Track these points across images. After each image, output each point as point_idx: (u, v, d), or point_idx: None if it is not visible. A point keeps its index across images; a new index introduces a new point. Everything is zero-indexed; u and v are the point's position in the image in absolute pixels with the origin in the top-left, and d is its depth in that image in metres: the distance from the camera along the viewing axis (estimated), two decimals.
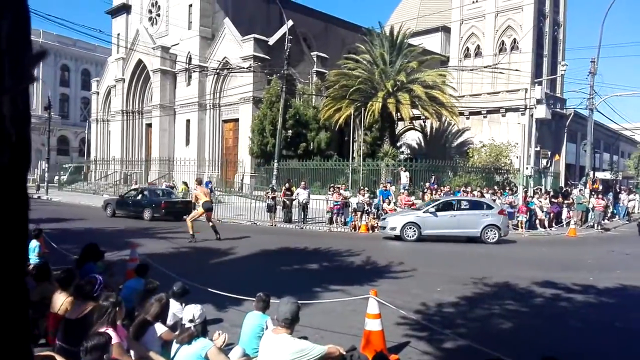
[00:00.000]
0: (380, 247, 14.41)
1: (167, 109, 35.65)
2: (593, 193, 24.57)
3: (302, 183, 20.54)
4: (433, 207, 16.34)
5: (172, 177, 31.32)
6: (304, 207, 19.61)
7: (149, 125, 38.07)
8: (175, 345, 3.95)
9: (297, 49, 29.87)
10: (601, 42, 25.61)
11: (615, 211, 27.42)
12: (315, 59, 33.51)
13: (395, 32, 28.56)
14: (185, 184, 24.64)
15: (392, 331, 5.84)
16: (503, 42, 32.17)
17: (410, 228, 15.69)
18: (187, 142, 34.85)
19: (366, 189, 20.82)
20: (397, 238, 15.67)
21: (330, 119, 28.12)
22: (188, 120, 34.79)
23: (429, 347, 5.61)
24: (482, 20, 32.97)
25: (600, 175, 33.60)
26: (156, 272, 6.69)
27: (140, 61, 37.25)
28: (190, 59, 33.47)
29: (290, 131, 27.92)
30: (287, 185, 20.61)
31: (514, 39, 31.48)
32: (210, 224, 14.28)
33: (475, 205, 16.95)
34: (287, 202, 20.11)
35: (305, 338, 4.25)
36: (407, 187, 22.03)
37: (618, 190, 32.15)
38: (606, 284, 9.42)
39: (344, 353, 4.01)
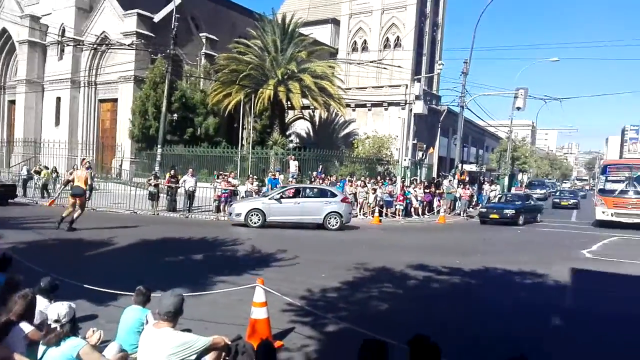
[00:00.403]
0: (268, 236, 14.50)
1: (35, 84, 32.13)
2: (460, 183, 27.13)
3: (190, 170, 19.87)
4: (278, 194, 16.86)
5: (38, 160, 28.34)
6: (190, 196, 18.99)
7: (12, 102, 34.02)
8: (42, 347, 3.62)
9: (184, 29, 28.62)
10: (473, 45, 28.30)
11: (479, 200, 30.53)
12: (204, 40, 32.39)
13: (287, 21, 28.65)
14: (47, 168, 22.56)
15: (278, 318, 5.94)
16: (388, 39, 33.85)
17: (254, 214, 15.96)
18: (57, 122, 31.78)
19: (255, 177, 20.74)
20: (244, 225, 15.86)
21: (220, 104, 27.46)
22: (58, 98, 31.69)
23: (312, 332, 5.81)
24: (369, 16, 34.34)
25: (467, 167, 37.16)
26: (20, 266, 6.04)
27: (4, 30, 33.08)
28: (63, 31, 30.42)
29: (175, 115, 26.75)
30: (171, 172, 19.77)
31: (398, 37, 33.27)
32: (76, 213, 12.87)
33: (319, 193, 17.56)
34: (172, 189, 19.31)
35: (189, 331, 4.15)
36: (295, 176, 22.37)
37: (482, 181, 35.85)
38: (471, 266, 10.50)
39: (229, 343, 3.99)
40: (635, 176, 20.13)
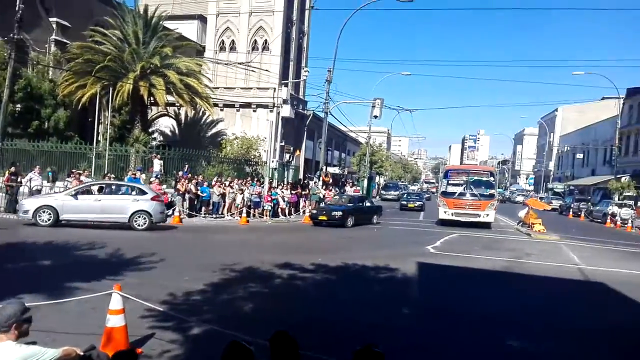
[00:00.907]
0: (130, 238, 13.65)
1: None
2: (325, 185, 28.39)
3: (37, 167, 17.78)
4: (75, 190, 15.69)
5: None
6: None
7: None
8: None
9: (31, 12, 25.51)
10: (336, 56, 29.73)
11: None
12: (54, 26, 29.18)
13: (150, 12, 27.18)
14: None
15: (137, 325, 5.70)
16: (256, 41, 34.03)
17: (44, 212, 14.72)
18: None
19: (112, 175, 19.36)
20: (33, 224, 14.68)
21: (72, 96, 25.03)
22: None
23: (175, 336, 5.68)
24: (237, 17, 34.18)
25: (331, 169, 38.98)
26: None
27: None
28: None
29: (19, 105, 23.76)
30: (11, 169, 17.54)
31: (266, 40, 33.64)
32: None
33: (126, 190, 16.56)
34: (12, 188, 17.15)
35: (34, 343, 3.80)
36: (159, 176, 21.35)
37: (344, 183, 37.91)
38: (332, 263, 11.10)
39: (81, 353, 3.75)
40: (471, 180, 23.05)
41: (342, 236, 17.55)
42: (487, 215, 22.06)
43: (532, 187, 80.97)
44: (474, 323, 7.30)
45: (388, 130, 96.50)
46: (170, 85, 26.06)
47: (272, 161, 25.70)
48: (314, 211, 21.69)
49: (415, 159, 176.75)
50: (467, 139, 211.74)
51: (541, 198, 49.95)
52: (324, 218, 20.27)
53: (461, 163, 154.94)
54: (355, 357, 2.64)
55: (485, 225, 22.23)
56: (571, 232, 23.03)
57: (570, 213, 39.65)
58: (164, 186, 20.49)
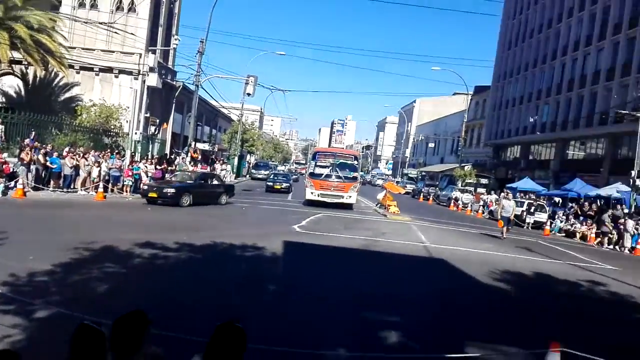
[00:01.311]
0: None
1: None
2: (193, 161, 27.49)
3: None
4: None
5: None
6: None
7: None
8: None
9: None
10: (210, 27, 28.70)
11: None
12: None
13: None
14: None
15: None
16: (121, 1, 31.25)
17: None
18: None
19: None
20: None
21: None
22: None
23: (17, 320, 5.13)
24: None
25: (200, 145, 37.71)
26: None
27: None
28: None
29: None
30: None
31: (132, 0, 31.07)
32: None
33: None
34: None
35: None
36: None
37: (214, 160, 37.07)
38: (198, 242, 10.87)
39: None
40: (337, 163, 24.14)
41: (211, 214, 17.23)
42: (350, 196, 23.35)
43: (390, 172, 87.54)
44: (334, 298, 7.78)
45: (261, 109, 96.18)
46: (18, 41, 22.81)
47: (135, 133, 24.07)
48: (145, 187, 19.43)
49: (286, 139, 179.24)
50: (336, 123, 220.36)
51: (397, 182, 54.29)
52: (154, 195, 18.17)
53: (329, 146, 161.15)
54: (216, 332, 2.63)
55: (348, 206, 23.52)
56: (420, 214, 25.49)
57: (421, 197, 43.77)
58: (5, 155, 18.09)
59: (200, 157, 31.58)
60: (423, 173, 66.20)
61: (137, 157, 23.95)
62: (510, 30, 50.02)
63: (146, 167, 22.53)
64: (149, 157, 25.58)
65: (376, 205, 26.51)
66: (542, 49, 43.17)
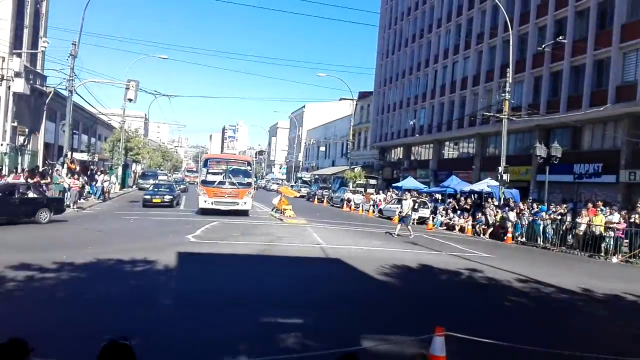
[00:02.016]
0: None
1: None
2: (70, 173, 25.33)
3: None
4: None
5: None
6: None
7: None
8: None
9: None
10: (82, 29, 26.66)
11: (91, 191, 29.25)
12: None
13: None
14: None
15: None
16: None
17: None
18: None
19: None
20: None
21: None
22: None
23: None
24: None
25: (78, 156, 34.83)
26: None
27: None
28: None
29: None
30: None
31: None
32: None
33: None
34: None
35: None
36: None
37: (94, 171, 34.46)
38: (81, 260, 10.06)
39: None
40: (230, 169, 23.78)
41: (91, 229, 16.01)
42: (245, 203, 23.14)
43: (285, 176, 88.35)
44: (232, 305, 7.69)
45: (145, 115, 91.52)
46: None
47: (2, 144, 21.62)
48: None
49: (176, 147, 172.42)
50: (227, 129, 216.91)
51: (292, 186, 54.94)
52: None
53: (222, 152, 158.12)
54: (103, 351, 2.51)
55: (244, 213, 23.30)
56: (316, 216, 26.10)
57: (316, 199, 44.81)
58: None
59: (78, 168, 29.16)
60: (316, 176, 67.76)
61: (5, 171, 21.51)
62: (387, 40, 53.28)
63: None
64: (18, 170, 23.09)
65: (272, 210, 26.61)
66: (416, 57, 46.58)
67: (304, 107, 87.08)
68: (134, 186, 45.88)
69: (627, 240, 17.08)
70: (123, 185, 41.06)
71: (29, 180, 20.99)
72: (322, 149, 72.72)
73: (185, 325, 6.56)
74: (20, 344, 2.46)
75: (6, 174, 20.99)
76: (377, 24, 54.98)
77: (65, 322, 6.30)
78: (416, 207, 27.87)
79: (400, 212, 20.33)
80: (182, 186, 41.56)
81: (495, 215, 22.70)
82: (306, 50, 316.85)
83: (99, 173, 33.46)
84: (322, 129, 75.01)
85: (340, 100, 72.89)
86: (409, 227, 19.92)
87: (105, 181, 31.48)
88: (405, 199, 21.21)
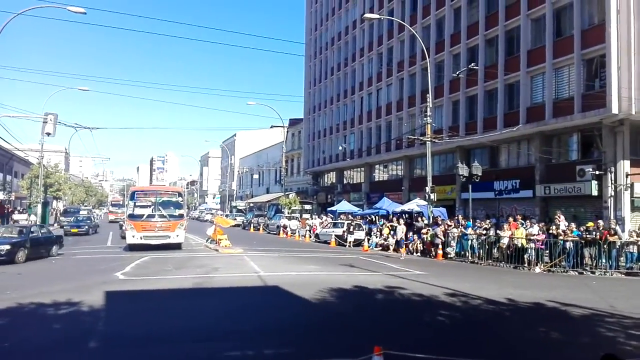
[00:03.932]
0: None
1: None
2: None
3: None
4: None
5: None
6: None
7: None
8: None
9: None
10: None
11: None
12: None
13: None
14: None
15: None
16: None
17: None
18: None
19: None
20: None
21: None
22: None
23: None
24: None
25: None
26: None
27: None
28: None
29: None
30: None
31: None
32: None
33: None
34: None
35: None
36: None
37: (12, 210, 32.02)
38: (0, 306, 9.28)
39: None
40: (160, 201, 22.99)
41: (9, 272, 14.82)
42: (178, 235, 22.39)
43: (219, 206, 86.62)
44: (165, 343, 7.40)
45: (66, 149, 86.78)
46: None
47: None
48: None
49: (100, 180, 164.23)
50: (155, 160, 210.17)
51: (227, 215, 53.99)
52: None
53: (150, 184, 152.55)
54: None
55: (176, 246, 22.51)
56: (252, 245, 25.78)
57: (252, 227, 44.28)
58: None
59: None
60: (251, 204, 67.10)
61: None
62: (313, 69, 54.66)
63: None
64: None
65: (207, 240, 25.97)
66: (342, 85, 48.10)
67: (235, 135, 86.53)
68: (55, 224, 43.04)
69: (547, 251, 18.31)
70: (43, 223, 38.34)
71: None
72: (256, 176, 72.33)
73: None
74: None
75: None
76: (304, 53, 56.34)
77: None
78: (351, 229, 28.36)
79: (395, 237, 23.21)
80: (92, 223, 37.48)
81: (426, 234, 23.57)
82: (235, 79, 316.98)
83: (16, 212, 31.15)
84: (254, 157, 74.77)
85: (271, 127, 73.33)
86: (403, 249, 22.26)
87: (26, 220, 29.41)
88: (400, 225, 22.64)
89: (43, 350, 6.92)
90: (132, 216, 22.42)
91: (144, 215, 22.16)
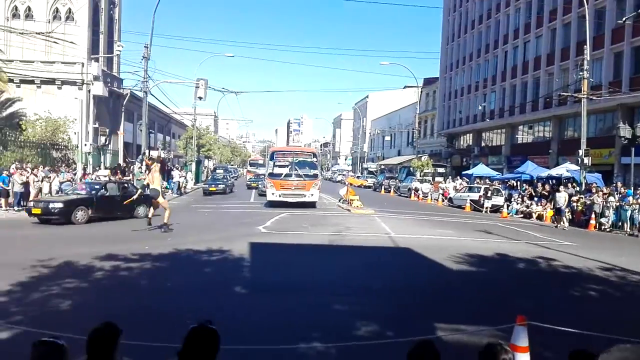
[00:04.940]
0: None
1: None
2: (148, 170, 26.79)
3: None
4: None
5: None
6: None
7: None
8: None
9: None
10: (154, 31, 28.03)
11: (168, 186, 30.87)
12: None
13: None
14: None
15: None
16: (57, 10, 30.10)
17: None
18: None
19: None
20: None
21: None
22: None
23: None
24: None
25: (155, 153, 36.75)
26: None
27: None
28: None
29: None
30: None
31: (69, 9, 29.99)
32: None
33: None
34: None
35: None
36: None
37: (171, 168, 36.25)
38: (161, 251, 10.62)
39: None
40: (296, 162, 24.05)
41: (176, 221, 16.81)
42: (312, 194, 23.31)
43: (350, 168, 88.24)
44: (305, 293, 7.79)
45: (215, 112, 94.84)
46: None
47: (85, 145, 23.27)
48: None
49: (244, 142, 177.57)
50: (292, 123, 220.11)
51: (358, 177, 54.78)
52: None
53: (287, 145, 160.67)
54: (190, 334, 2.59)
55: (311, 205, 23.48)
56: (383, 206, 25.84)
57: (383, 190, 44.38)
58: None
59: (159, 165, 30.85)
60: (382, 166, 67.11)
61: (89, 169, 23.15)
62: (452, 23, 51.41)
63: (100, 179, 21.75)
64: (102, 167, 24.76)
65: (339, 200, 26.68)
66: (484, 39, 44.60)
67: (367, 97, 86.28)
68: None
69: None
70: (197, 180, 42.87)
71: (111, 177, 22.45)
72: (387, 138, 71.79)
73: (261, 311, 6.74)
74: (113, 326, 2.62)
75: (91, 172, 22.56)
76: (442, 6, 53.20)
77: (149, 307, 6.66)
78: (489, 194, 26.82)
79: (556, 204, 20.66)
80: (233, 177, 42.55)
81: (577, 201, 21.33)
82: (368, 38, 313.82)
83: (174, 169, 35.17)
84: (386, 118, 74.04)
85: (404, 88, 71.49)
86: (564, 218, 20.01)
87: (181, 177, 33.05)
88: (560, 192, 20.79)
89: (199, 291, 7.74)
90: (272, 175, 23.83)
91: (282, 174, 23.43)
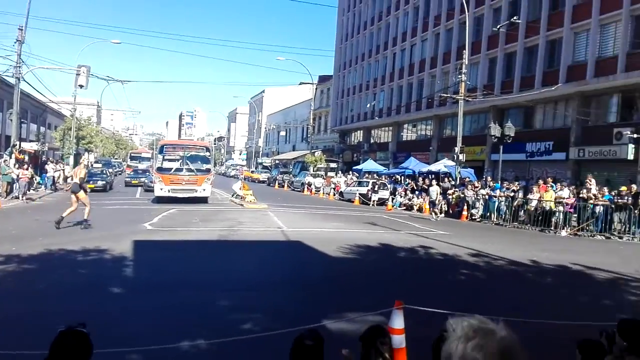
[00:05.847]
0: None
1: None
2: (18, 163, 24.22)
3: None
4: None
5: None
6: None
7: None
8: None
9: None
10: (29, 12, 25.23)
11: (41, 181, 28.12)
12: None
13: None
14: None
15: None
16: None
17: None
18: None
19: None
20: None
21: None
22: None
23: None
24: None
25: (27, 145, 33.28)
26: None
27: None
28: None
29: None
30: None
31: None
32: None
33: None
34: None
35: None
36: None
37: (45, 161, 33.04)
38: (30, 252, 9.65)
39: None
40: (188, 155, 23.24)
41: (41, 220, 15.36)
42: (204, 189, 22.69)
43: (245, 162, 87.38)
44: (190, 289, 7.58)
45: (98, 102, 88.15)
46: None
47: None
48: None
49: (130, 134, 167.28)
50: (184, 115, 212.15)
51: (252, 172, 54.45)
52: None
53: (179, 139, 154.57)
54: (58, 338, 2.42)
55: (203, 200, 22.84)
56: (277, 201, 26.01)
57: (277, 184, 44.63)
58: None
59: (26, 158, 27.90)
60: (277, 161, 67.39)
61: None
62: (346, 23, 53.10)
63: None
64: None
65: (232, 195, 26.33)
66: (375, 40, 46.68)
67: (263, 91, 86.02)
68: None
69: (575, 215, 17.89)
70: None
71: None
72: (283, 133, 72.29)
73: (140, 310, 6.45)
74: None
75: None
76: (337, 5, 54.64)
77: (12, 315, 6.03)
78: (376, 188, 28.22)
79: (429, 198, 22.71)
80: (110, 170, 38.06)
81: (452, 194, 23.26)
82: (265, 33, 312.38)
83: (49, 163, 32.12)
84: (282, 114, 74.46)
85: (300, 84, 72.36)
86: (436, 210, 21.64)
87: (56, 171, 30.30)
88: (432, 186, 22.75)
89: (72, 293, 7.18)
90: (160, 169, 22.78)
91: (172, 168, 22.48)
